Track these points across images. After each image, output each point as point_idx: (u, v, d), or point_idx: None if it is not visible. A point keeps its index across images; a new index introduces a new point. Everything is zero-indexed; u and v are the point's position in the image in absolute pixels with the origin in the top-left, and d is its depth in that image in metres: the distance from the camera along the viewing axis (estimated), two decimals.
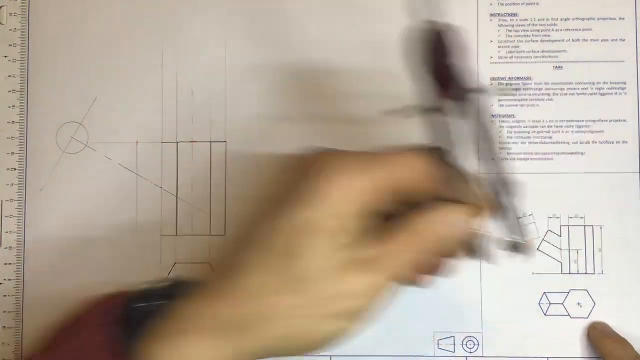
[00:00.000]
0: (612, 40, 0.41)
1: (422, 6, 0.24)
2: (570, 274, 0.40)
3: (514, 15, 0.41)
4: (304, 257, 0.27)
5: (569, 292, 0.39)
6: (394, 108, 0.27)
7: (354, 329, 0.28)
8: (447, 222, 0.28)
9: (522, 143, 0.40)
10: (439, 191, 0.28)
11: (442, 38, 0.25)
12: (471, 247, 0.31)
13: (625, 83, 0.40)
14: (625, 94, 0.40)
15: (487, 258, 0.31)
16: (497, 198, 0.29)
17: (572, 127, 0.40)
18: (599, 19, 0.41)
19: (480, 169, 0.29)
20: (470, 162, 0.29)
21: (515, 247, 0.30)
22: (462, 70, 0.25)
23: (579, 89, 0.40)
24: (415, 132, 0.40)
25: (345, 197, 0.27)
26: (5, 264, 0.40)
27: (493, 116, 0.40)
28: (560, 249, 0.40)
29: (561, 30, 0.41)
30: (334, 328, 0.27)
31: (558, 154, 0.40)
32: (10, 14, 0.41)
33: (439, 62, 0.25)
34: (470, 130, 0.27)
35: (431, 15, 0.25)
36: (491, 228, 0.30)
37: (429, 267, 0.31)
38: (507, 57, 0.41)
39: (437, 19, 0.25)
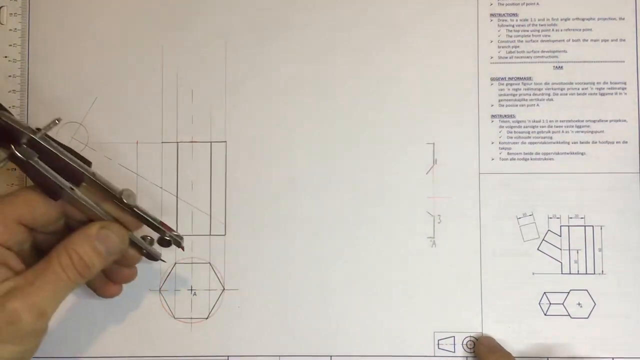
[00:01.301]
0: (612, 40, 0.41)
1: None
2: (570, 274, 0.40)
3: (514, 15, 0.41)
4: None
5: (569, 292, 0.39)
6: None
7: (26, 350, 0.31)
8: (85, 236, 0.32)
9: (522, 143, 0.40)
10: (66, 215, 0.33)
11: None
12: (137, 250, 0.35)
13: (625, 83, 0.40)
14: (625, 94, 0.40)
15: (153, 256, 0.36)
16: (130, 209, 0.34)
17: (572, 127, 0.40)
18: (599, 19, 0.41)
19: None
20: None
21: (165, 242, 0.36)
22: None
23: (579, 89, 0.40)
24: (418, 127, 0.40)
25: None
26: None
27: (493, 116, 0.40)
28: (560, 249, 0.40)
29: (561, 30, 0.41)
30: (4, 353, 0.30)
31: (558, 154, 0.40)
32: (10, 14, 0.41)
33: None
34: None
35: None
36: (145, 232, 0.36)
37: (118, 276, 0.36)
38: (507, 57, 0.41)
39: None
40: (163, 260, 0.37)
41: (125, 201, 0.34)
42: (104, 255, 0.33)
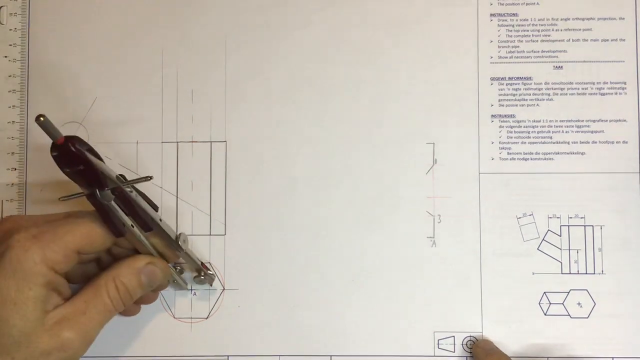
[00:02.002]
0: (612, 40, 0.41)
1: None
2: (570, 274, 0.40)
3: (514, 15, 0.41)
4: (8, 323, 0.30)
5: (569, 292, 0.39)
6: (69, 195, 0.32)
7: None
8: (132, 269, 0.34)
9: (522, 143, 0.40)
10: (117, 244, 0.34)
11: (64, 150, 0.30)
12: (168, 281, 0.37)
13: (625, 83, 0.40)
14: (625, 94, 0.40)
15: (182, 286, 0.39)
16: (173, 246, 0.36)
17: (572, 127, 0.40)
18: (599, 19, 0.41)
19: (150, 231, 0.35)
20: None
21: (199, 279, 0.39)
22: (93, 168, 0.30)
23: (579, 89, 0.40)
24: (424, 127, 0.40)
25: (41, 264, 0.30)
26: None
27: (493, 115, 0.40)
28: (560, 249, 0.40)
29: (561, 30, 0.41)
30: None
31: (558, 154, 0.40)
32: (10, 14, 0.41)
33: (69, 170, 0.30)
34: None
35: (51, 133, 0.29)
36: (180, 264, 0.39)
37: (142, 299, 0.37)
38: (507, 57, 0.41)
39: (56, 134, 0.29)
40: (188, 290, 0.40)
41: (181, 246, 0.36)
42: (145, 288, 0.35)
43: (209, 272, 0.39)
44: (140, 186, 0.34)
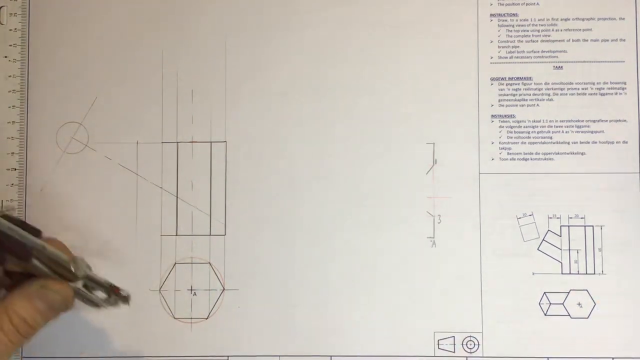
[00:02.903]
0: (612, 40, 0.41)
1: None
2: (570, 274, 0.40)
3: (514, 15, 0.41)
4: None
5: (569, 292, 0.39)
6: None
7: None
8: (24, 296, 0.31)
9: (522, 143, 0.40)
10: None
11: None
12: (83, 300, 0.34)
13: (625, 83, 0.40)
14: (625, 94, 0.40)
15: (98, 304, 0.35)
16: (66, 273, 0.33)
17: (572, 127, 0.40)
18: (599, 19, 0.41)
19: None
20: None
21: (111, 302, 0.35)
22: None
23: (579, 89, 0.40)
24: (427, 127, 0.40)
25: None
26: None
27: (493, 116, 0.40)
28: (560, 249, 0.40)
29: (561, 30, 0.41)
30: None
31: (558, 154, 0.40)
32: (10, 14, 0.41)
33: None
34: None
35: None
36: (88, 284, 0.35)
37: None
38: (507, 57, 0.41)
39: None
40: (106, 308, 0.35)
41: (75, 273, 0.33)
42: (46, 314, 0.32)
43: (122, 293, 0.35)
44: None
